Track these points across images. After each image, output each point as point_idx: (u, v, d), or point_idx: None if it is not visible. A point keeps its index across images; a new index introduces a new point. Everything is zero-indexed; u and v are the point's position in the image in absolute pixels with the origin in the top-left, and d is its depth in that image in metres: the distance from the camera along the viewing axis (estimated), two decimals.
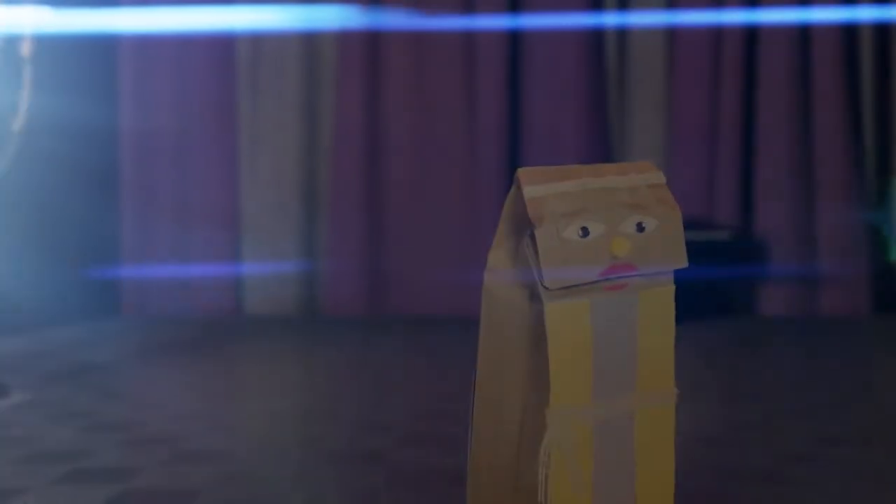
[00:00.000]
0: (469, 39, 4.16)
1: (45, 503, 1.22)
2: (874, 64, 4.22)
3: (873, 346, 3.05)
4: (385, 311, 4.16)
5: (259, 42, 4.25)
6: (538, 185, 0.87)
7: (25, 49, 2.33)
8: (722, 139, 4.14)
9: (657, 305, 0.84)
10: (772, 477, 1.36)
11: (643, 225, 0.85)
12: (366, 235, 4.17)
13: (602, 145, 4.19)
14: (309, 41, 4.26)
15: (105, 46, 4.18)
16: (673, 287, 0.86)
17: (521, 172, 0.89)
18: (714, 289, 4.19)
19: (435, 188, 4.18)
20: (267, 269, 4.29)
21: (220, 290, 4.25)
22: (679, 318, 3.90)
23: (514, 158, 4.20)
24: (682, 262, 0.86)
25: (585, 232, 0.84)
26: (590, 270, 0.84)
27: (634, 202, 0.85)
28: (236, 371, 2.57)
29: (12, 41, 2.29)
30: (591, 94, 4.15)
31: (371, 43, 4.18)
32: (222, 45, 4.23)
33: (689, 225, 4.10)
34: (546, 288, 0.83)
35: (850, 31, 4.16)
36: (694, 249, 4.10)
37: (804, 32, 4.16)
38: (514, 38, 4.18)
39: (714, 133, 4.18)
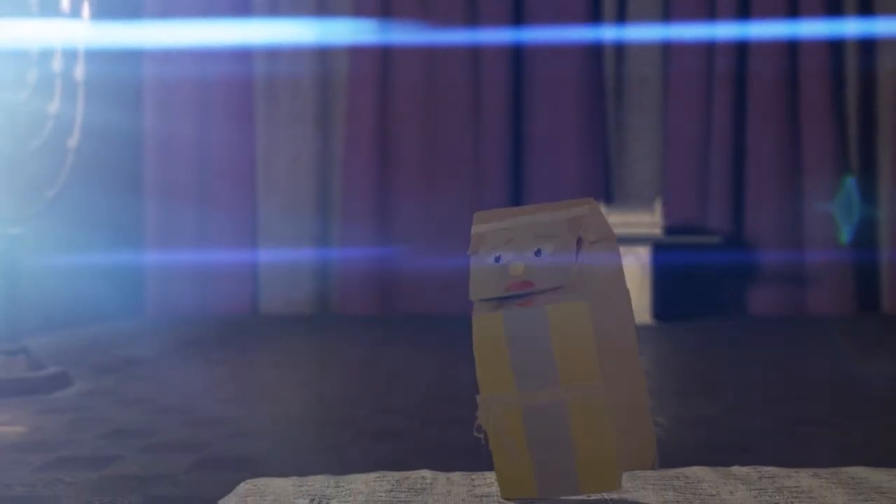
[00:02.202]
0: (474, 54, 4.41)
1: (140, 468, 1.47)
2: (858, 75, 4.46)
3: (853, 343, 3.30)
4: (394, 310, 4.39)
5: (275, 55, 4.49)
6: (483, 224, 1.19)
7: (79, 72, 2.57)
8: (714, 147, 4.38)
9: (567, 317, 1.10)
10: (739, 449, 1.61)
11: (541, 251, 1.13)
12: (376, 238, 4.41)
13: (600, 154, 4.43)
14: (322, 54, 4.50)
15: (130, 58, 4.41)
16: (582, 303, 1.09)
17: (476, 215, 1.21)
18: (706, 290, 4.42)
19: (442, 194, 4.42)
20: (282, 269, 4.52)
21: (237, 290, 4.48)
22: (675, 318, 4.13)
23: (517, 165, 4.44)
24: (565, 280, 1.11)
25: (498, 259, 1.14)
26: (498, 286, 1.13)
27: (545, 233, 1.13)
28: (264, 364, 2.82)
29: (68, 63, 2.53)
30: (590, 104, 4.39)
31: (381, 56, 4.41)
32: (240, 58, 4.46)
33: (682, 230, 4.33)
34: (473, 301, 1.15)
35: (835, 44, 4.40)
36: (688, 252, 4.33)
37: (792, 45, 4.40)
38: (517, 52, 4.42)
39: (706, 141, 4.42)
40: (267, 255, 4.51)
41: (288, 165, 4.52)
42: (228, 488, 1.30)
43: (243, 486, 1.20)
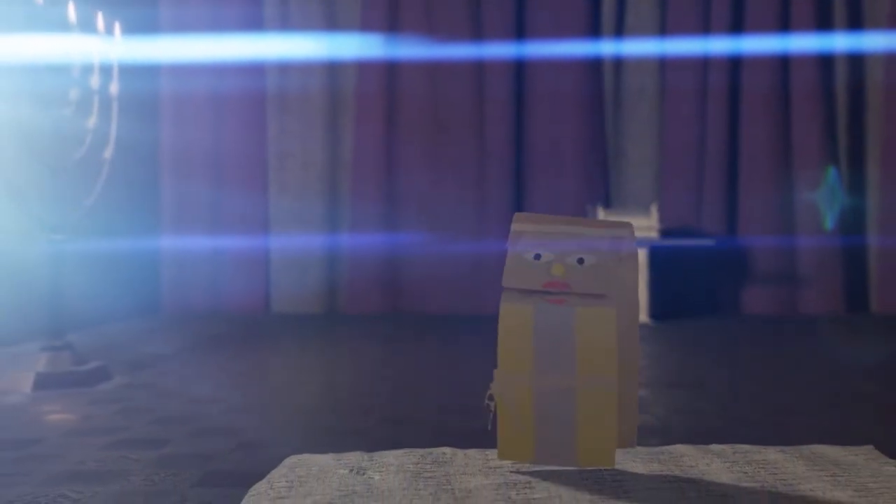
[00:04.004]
0: (478, 67, 4.61)
1: (192, 448, 1.66)
2: (847, 88, 4.65)
3: (840, 341, 3.49)
4: (401, 310, 4.59)
5: (286, 68, 4.69)
6: (523, 224, 1.34)
7: (113, 88, 2.77)
8: (708, 154, 4.57)
9: (594, 320, 1.24)
10: (723, 434, 1.80)
11: (583, 259, 1.29)
12: (384, 241, 4.61)
13: (598, 160, 4.63)
14: (331, 67, 4.70)
15: (148, 72, 4.62)
16: (611, 310, 1.24)
17: (516, 215, 1.36)
18: (701, 290, 4.62)
19: (447, 198, 4.62)
20: (293, 270, 4.72)
21: (250, 290, 4.68)
22: (671, 317, 4.33)
23: (519, 171, 4.64)
24: (605, 290, 1.27)
25: (538, 257, 1.30)
26: (535, 281, 1.29)
27: (587, 245, 1.29)
28: (283, 359, 3.01)
29: (104, 80, 2.72)
30: (589, 113, 4.59)
31: (388, 69, 4.61)
32: (253, 72, 4.66)
33: (678, 233, 4.53)
34: (505, 287, 1.30)
35: (825, 58, 4.60)
36: (683, 254, 4.53)
37: (784, 59, 4.60)
38: (519, 65, 4.62)
39: (701, 148, 4.61)
40: (278, 258, 4.71)
41: (299, 173, 4.71)
42: (274, 463, 1.50)
43: (290, 460, 1.40)
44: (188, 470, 1.50)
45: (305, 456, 1.43)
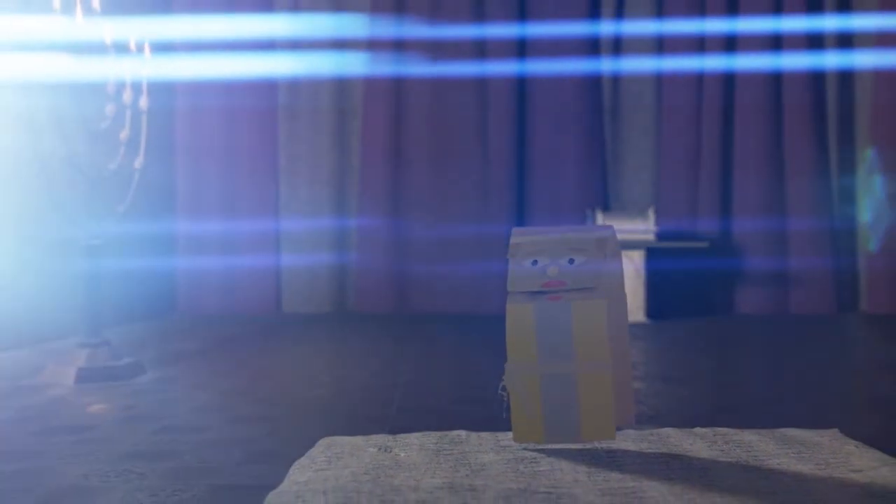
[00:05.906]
0: (481, 83, 4.81)
1: (232, 433, 1.86)
2: (838, 103, 4.85)
3: (829, 338, 3.68)
4: (408, 309, 4.78)
5: (296, 82, 4.89)
6: (520, 237, 1.56)
7: (143, 102, 2.96)
8: (703, 160, 4.76)
9: (588, 312, 1.46)
10: (706, 421, 1.99)
11: (573, 259, 1.50)
12: (391, 243, 4.79)
13: (597, 166, 4.82)
14: (340, 81, 4.89)
15: (164, 87, 4.79)
16: (603, 301, 1.46)
17: (513, 230, 1.58)
18: (696, 291, 4.80)
19: (452, 203, 4.81)
20: (303, 272, 4.90)
21: (261, 292, 4.87)
22: (667, 317, 4.51)
23: (521, 178, 4.83)
24: (594, 283, 1.48)
25: (535, 262, 1.51)
26: (535, 283, 1.50)
27: (577, 247, 1.50)
28: (300, 356, 3.20)
29: (135, 95, 2.92)
30: (588, 123, 4.79)
31: (394, 85, 4.81)
32: (264, 88, 4.85)
33: (674, 235, 4.71)
34: (510, 292, 1.51)
35: (816, 75, 4.80)
36: (679, 256, 4.71)
37: (776, 76, 4.80)
38: (521, 81, 4.82)
39: (696, 154, 4.81)
40: (289, 259, 4.90)
41: (308, 181, 4.91)
42: (308, 445, 1.69)
43: (324, 441, 1.59)
44: (231, 451, 1.69)
45: (337, 437, 1.62)
